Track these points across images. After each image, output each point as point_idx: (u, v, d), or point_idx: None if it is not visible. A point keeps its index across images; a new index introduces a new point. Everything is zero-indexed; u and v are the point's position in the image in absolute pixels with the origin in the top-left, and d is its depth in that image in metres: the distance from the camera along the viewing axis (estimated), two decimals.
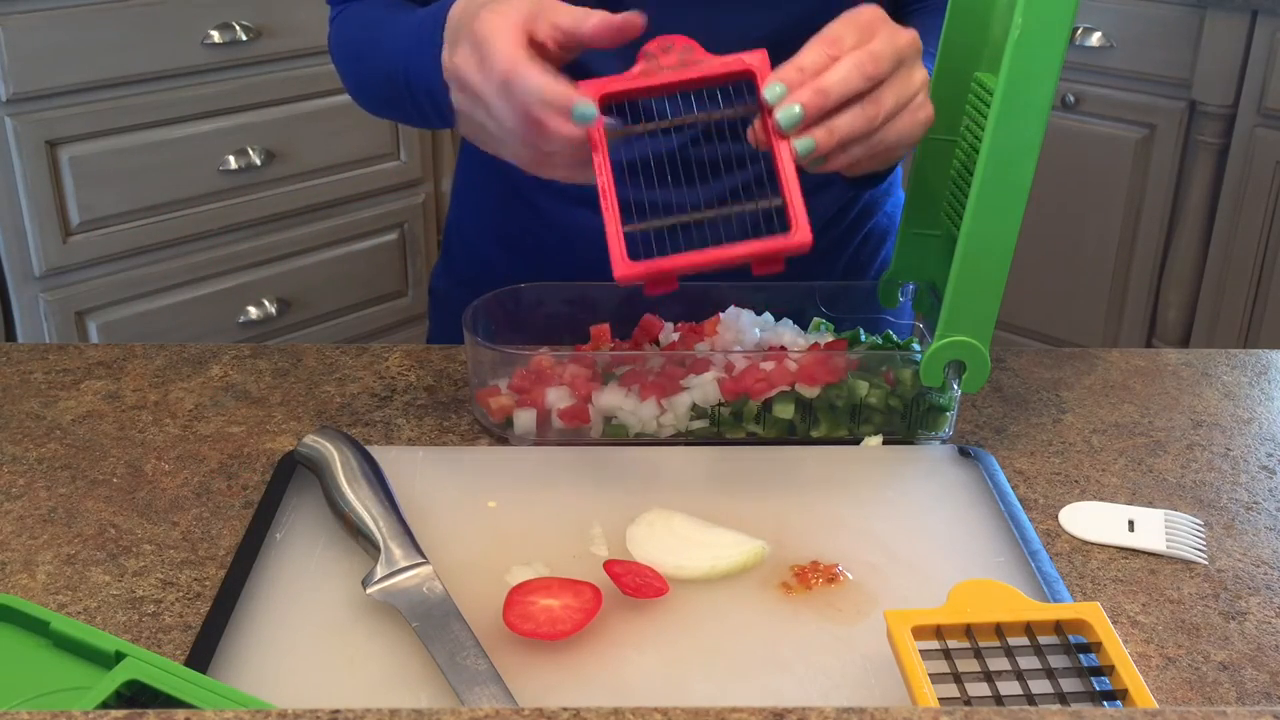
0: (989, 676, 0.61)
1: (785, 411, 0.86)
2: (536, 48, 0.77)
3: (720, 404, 0.86)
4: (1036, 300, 2.59)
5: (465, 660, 0.64)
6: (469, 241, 1.14)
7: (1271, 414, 0.96)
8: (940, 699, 0.59)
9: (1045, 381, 0.99)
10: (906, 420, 0.88)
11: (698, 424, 0.87)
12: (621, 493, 0.81)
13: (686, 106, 0.80)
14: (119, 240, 2.09)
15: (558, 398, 0.86)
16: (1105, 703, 0.61)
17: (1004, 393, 0.97)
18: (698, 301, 0.94)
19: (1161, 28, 2.29)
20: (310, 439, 0.80)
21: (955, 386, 0.86)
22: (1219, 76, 2.23)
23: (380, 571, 0.70)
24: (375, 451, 0.81)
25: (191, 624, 0.70)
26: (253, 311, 2.28)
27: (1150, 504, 0.84)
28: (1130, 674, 0.61)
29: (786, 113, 0.76)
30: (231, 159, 2.17)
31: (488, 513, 0.79)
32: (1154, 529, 0.80)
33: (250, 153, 2.19)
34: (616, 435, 0.87)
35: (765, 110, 0.77)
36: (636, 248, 0.75)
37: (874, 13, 0.80)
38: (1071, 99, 2.42)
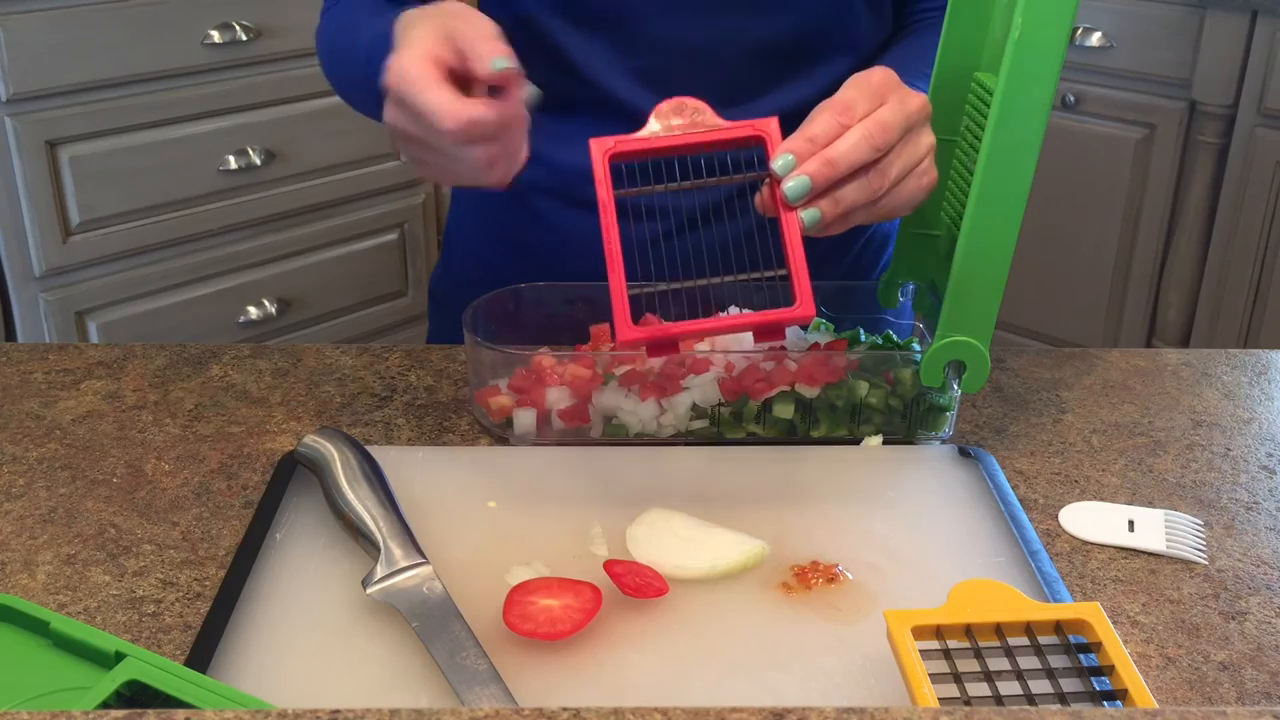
0: (989, 676, 0.61)
1: (785, 411, 0.86)
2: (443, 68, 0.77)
3: (720, 404, 0.86)
4: (1036, 300, 2.59)
5: (465, 660, 0.64)
6: (469, 244, 1.14)
7: (1271, 414, 0.96)
8: (940, 699, 0.59)
9: (1045, 381, 0.99)
10: (906, 420, 0.88)
11: (698, 424, 0.87)
12: (621, 493, 0.81)
13: (695, 167, 0.80)
14: (119, 240, 2.09)
15: (558, 398, 0.86)
16: (1105, 703, 0.61)
17: (1004, 393, 0.97)
18: (698, 301, 0.94)
19: (1161, 28, 2.29)
20: (310, 439, 0.80)
21: (955, 386, 0.86)
22: (1219, 76, 2.23)
23: (380, 571, 0.70)
24: (375, 451, 0.81)
25: (191, 624, 0.70)
26: (253, 311, 2.28)
27: (1150, 504, 0.84)
28: (1130, 674, 0.61)
29: (795, 185, 0.76)
30: (231, 159, 2.17)
31: (488, 513, 0.79)
32: (1154, 529, 0.80)
33: (250, 153, 2.19)
34: (617, 435, 0.87)
35: (774, 179, 0.77)
36: (640, 309, 0.76)
37: (885, 76, 0.80)
38: (1071, 99, 2.42)
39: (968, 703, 0.60)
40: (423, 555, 0.72)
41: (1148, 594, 0.75)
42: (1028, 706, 0.59)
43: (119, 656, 0.59)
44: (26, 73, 1.92)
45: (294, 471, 0.82)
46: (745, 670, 0.66)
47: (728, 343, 0.90)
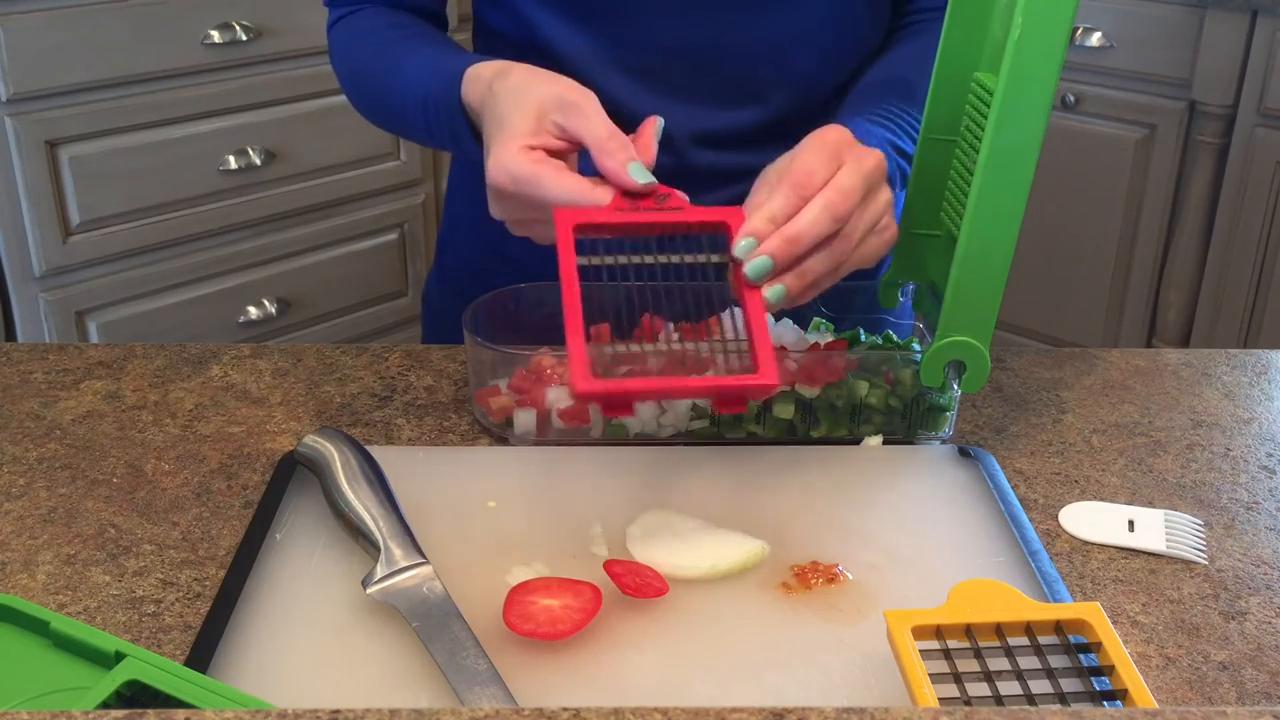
0: (989, 676, 0.61)
1: (785, 411, 0.86)
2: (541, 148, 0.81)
3: None
4: (1036, 300, 2.59)
5: (465, 660, 0.64)
6: (463, 249, 1.14)
7: (1271, 414, 0.96)
8: (940, 699, 0.59)
9: (1045, 381, 0.99)
10: (906, 420, 0.88)
11: (698, 424, 0.87)
12: (621, 493, 0.81)
13: (659, 248, 0.81)
14: (119, 240, 2.09)
15: (558, 397, 0.86)
16: (1105, 703, 0.61)
17: (1004, 393, 0.97)
18: (697, 302, 0.94)
19: (1161, 28, 2.29)
20: (310, 439, 0.80)
21: (955, 387, 0.86)
22: (1219, 76, 2.23)
23: (380, 571, 0.70)
24: (375, 451, 0.81)
25: (191, 624, 0.70)
26: (253, 311, 2.28)
27: (1150, 504, 0.84)
28: (1130, 674, 0.61)
29: (756, 265, 0.77)
30: (231, 159, 2.17)
31: (488, 513, 0.79)
32: (1154, 529, 0.80)
33: (250, 153, 2.19)
34: (616, 435, 0.87)
35: (735, 263, 0.78)
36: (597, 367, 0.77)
37: (839, 135, 0.82)
38: (1071, 99, 2.42)
39: (968, 703, 0.60)
40: (423, 555, 0.72)
41: (1148, 594, 0.75)
42: (1028, 706, 0.59)
43: (119, 656, 0.59)
44: (26, 73, 1.92)
45: (294, 471, 0.82)
46: (745, 670, 0.66)
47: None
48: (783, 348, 0.88)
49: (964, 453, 0.87)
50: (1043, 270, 2.55)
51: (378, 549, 0.72)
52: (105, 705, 0.56)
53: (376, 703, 0.63)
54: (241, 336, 2.27)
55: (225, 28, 2.12)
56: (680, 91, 0.99)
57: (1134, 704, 0.60)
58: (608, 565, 0.72)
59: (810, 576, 0.73)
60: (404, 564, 0.71)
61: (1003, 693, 0.60)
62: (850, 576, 0.73)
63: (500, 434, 0.88)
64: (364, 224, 2.43)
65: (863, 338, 0.91)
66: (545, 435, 0.87)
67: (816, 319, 0.94)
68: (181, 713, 0.48)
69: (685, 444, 0.87)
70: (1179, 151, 2.33)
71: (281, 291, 2.32)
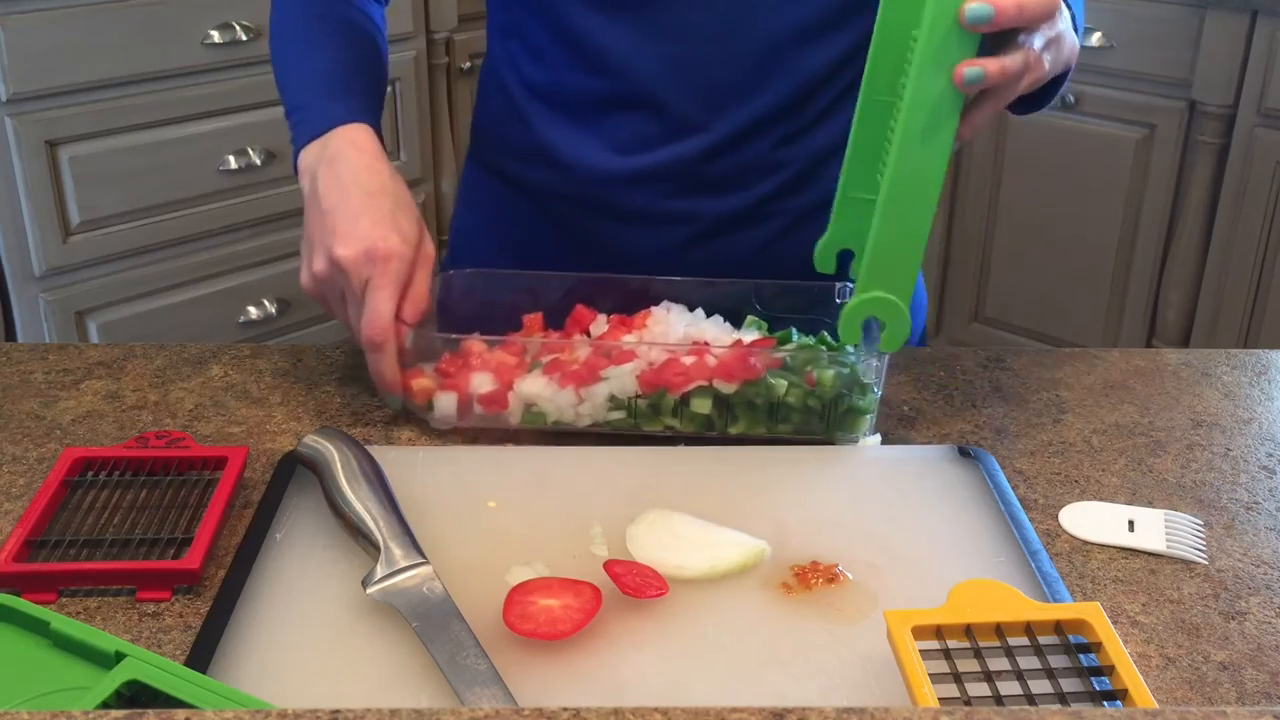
0: (989, 676, 0.61)
1: (702, 406, 0.86)
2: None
3: (638, 396, 0.86)
4: (1036, 300, 2.59)
5: (465, 660, 0.64)
6: (475, 253, 1.13)
7: (1271, 414, 0.96)
8: (940, 699, 0.59)
9: (1045, 381, 0.99)
10: (825, 421, 0.87)
11: (615, 415, 0.87)
12: (621, 493, 0.81)
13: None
14: (119, 240, 2.09)
15: (480, 383, 0.87)
16: (1105, 703, 0.61)
17: (1004, 393, 0.97)
18: (638, 296, 0.94)
19: (1161, 28, 2.29)
20: (310, 439, 0.80)
21: (872, 347, 0.85)
22: (1219, 76, 2.23)
23: (380, 571, 0.70)
24: (375, 451, 0.81)
25: (191, 624, 0.70)
26: (253, 311, 2.28)
27: (1150, 504, 0.84)
28: (1130, 674, 0.61)
29: (976, 10, 0.75)
30: (231, 159, 2.17)
31: (488, 513, 0.79)
32: (1154, 529, 0.80)
33: (250, 153, 2.19)
34: (534, 423, 0.88)
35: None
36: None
37: None
38: (1071, 99, 2.42)
39: (968, 703, 0.60)
40: (423, 555, 0.72)
41: (1148, 594, 0.75)
42: (1028, 706, 0.59)
43: (119, 656, 0.59)
44: (26, 73, 1.92)
45: (294, 471, 0.82)
46: (745, 670, 0.66)
47: (655, 336, 0.90)
48: (706, 343, 0.88)
49: (964, 453, 0.87)
50: (1043, 270, 2.55)
51: (378, 549, 0.72)
52: (105, 705, 0.56)
53: (376, 703, 0.63)
54: (241, 336, 2.27)
55: (225, 28, 2.12)
56: (707, 78, 0.98)
57: (1134, 704, 0.60)
58: (608, 565, 0.72)
59: (810, 576, 0.73)
60: (404, 564, 0.71)
61: (1003, 693, 0.60)
62: (850, 576, 0.73)
63: (422, 416, 0.89)
64: None
65: (795, 338, 0.91)
66: (465, 420, 0.87)
67: (751, 317, 0.94)
68: (181, 713, 0.48)
69: (685, 444, 0.87)
70: (1179, 151, 2.33)
71: (281, 291, 2.32)
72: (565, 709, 0.47)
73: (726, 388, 0.86)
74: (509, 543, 0.76)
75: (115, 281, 2.11)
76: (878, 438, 0.88)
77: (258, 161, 2.20)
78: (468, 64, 2.57)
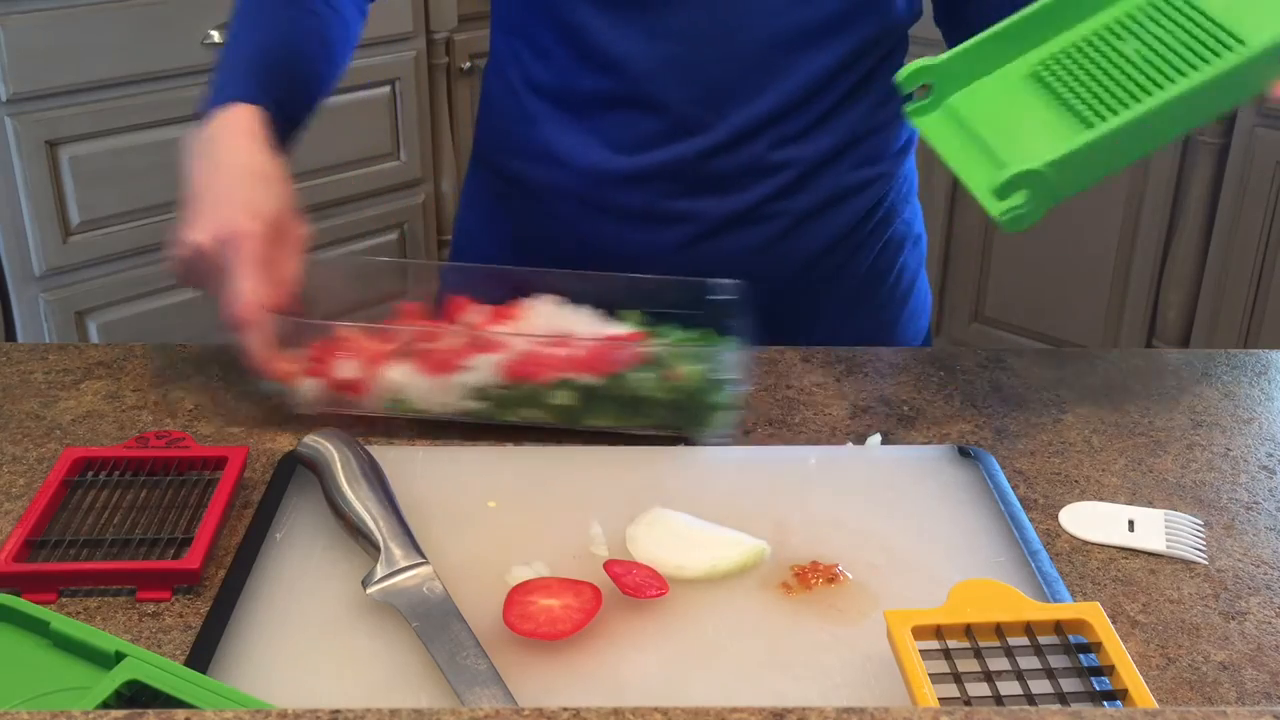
0: (989, 676, 0.61)
1: (564, 398, 0.86)
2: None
3: (500, 386, 0.86)
4: (1036, 300, 2.59)
5: (465, 660, 0.64)
6: (479, 252, 1.13)
7: (1271, 414, 0.96)
8: (940, 699, 0.59)
9: (1045, 381, 0.99)
10: (685, 416, 0.87)
11: (475, 404, 0.87)
12: (621, 493, 0.81)
13: None
14: (119, 240, 2.09)
15: (344, 369, 0.87)
16: (1105, 703, 0.61)
17: (1004, 393, 0.97)
18: (523, 288, 0.94)
19: None
20: (310, 439, 0.80)
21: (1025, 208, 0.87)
22: None
23: (380, 571, 0.70)
24: (375, 451, 0.81)
25: (191, 624, 0.70)
26: None
27: (1150, 504, 0.84)
28: (1130, 674, 0.61)
29: None
30: None
31: (488, 513, 0.79)
32: (1154, 529, 0.80)
33: None
34: (396, 410, 0.88)
35: None
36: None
37: None
38: None
39: (968, 703, 0.60)
40: (423, 555, 0.72)
41: (1148, 594, 0.75)
42: (1028, 706, 0.59)
43: (119, 656, 0.59)
44: (26, 73, 1.92)
45: (294, 471, 0.82)
46: (745, 670, 0.66)
47: (517, 325, 0.90)
48: (569, 335, 0.88)
49: (964, 453, 0.87)
50: (1043, 270, 2.55)
51: (378, 549, 0.72)
52: (105, 705, 0.56)
53: (376, 703, 0.63)
54: None
55: (225, 28, 2.11)
56: (708, 78, 0.98)
57: (1134, 704, 0.60)
58: (608, 565, 0.72)
59: (810, 576, 0.73)
60: (404, 564, 0.71)
61: (1003, 693, 0.60)
62: (850, 576, 0.73)
63: (290, 401, 0.89)
64: (364, 224, 2.42)
65: (667, 334, 0.90)
66: (329, 406, 0.88)
67: (625, 312, 0.93)
68: (181, 713, 0.48)
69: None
70: (1179, 151, 2.33)
71: None
72: (565, 709, 0.47)
73: (588, 380, 0.86)
74: (509, 543, 0.76)
75: (115, 281, 2.11)
76: (878, 438, 0.88)
77: None
78: (468, 64, 2.57)
